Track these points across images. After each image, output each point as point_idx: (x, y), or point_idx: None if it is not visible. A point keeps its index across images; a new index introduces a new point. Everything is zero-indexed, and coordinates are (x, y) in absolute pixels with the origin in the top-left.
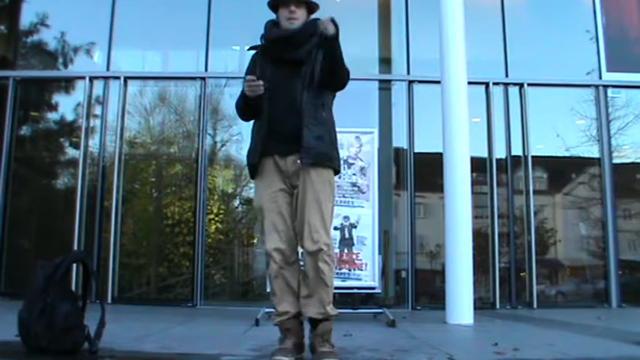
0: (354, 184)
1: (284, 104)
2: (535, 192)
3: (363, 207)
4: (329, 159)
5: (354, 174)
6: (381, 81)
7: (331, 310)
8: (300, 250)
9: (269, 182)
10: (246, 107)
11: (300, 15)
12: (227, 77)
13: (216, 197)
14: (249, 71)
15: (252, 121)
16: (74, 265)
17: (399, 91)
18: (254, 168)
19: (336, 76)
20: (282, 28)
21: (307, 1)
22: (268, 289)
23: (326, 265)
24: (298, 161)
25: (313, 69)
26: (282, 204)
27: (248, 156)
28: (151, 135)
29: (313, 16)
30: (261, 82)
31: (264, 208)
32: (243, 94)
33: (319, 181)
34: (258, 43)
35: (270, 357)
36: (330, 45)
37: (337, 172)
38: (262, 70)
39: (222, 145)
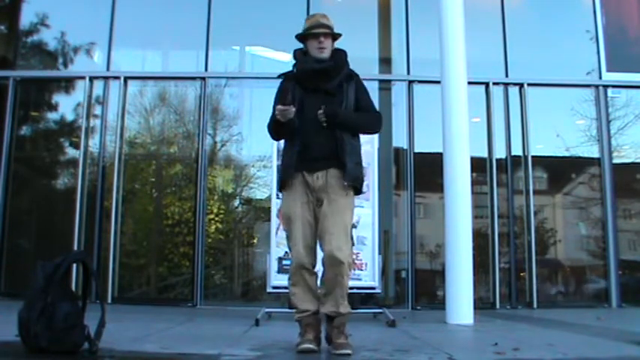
0: None
1: (316, 129)
2: (535, 192)
3: (363, 207)
4: (362, 181)
5: None
6: (381, 81)
7: (343, 309)
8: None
9: (299, 195)
10: (278, 129)
11: (327, 45)
12: (227, 77)
13: (216, 197)
14: (279, 97)
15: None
16: (74, 265)
17: (399, 91)
18: (284, 183)
19: (361, 131)
20: (313, 56)
21: (332, 33)
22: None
23: (345, 272)
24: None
25: (346, 101)
26: (310, 216)
27: (281, 171)
28: (151, 135)
29: (337, 42)
30: (292, 109)
31: (296, 217)
32: (274, 118)
33: (343, 197)
34: (287, 70)
35: (296, 347)
36: (337, 123)
37: (360, 190)
38: (296, 97)
39: (222, 145)
